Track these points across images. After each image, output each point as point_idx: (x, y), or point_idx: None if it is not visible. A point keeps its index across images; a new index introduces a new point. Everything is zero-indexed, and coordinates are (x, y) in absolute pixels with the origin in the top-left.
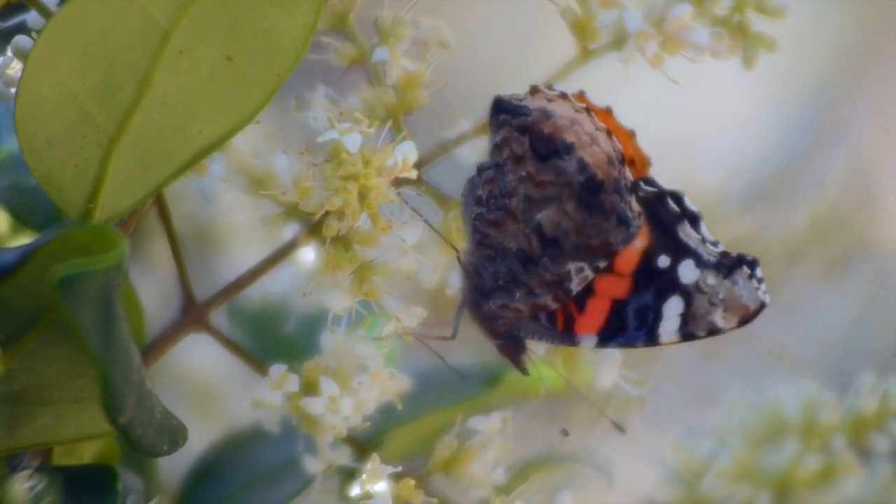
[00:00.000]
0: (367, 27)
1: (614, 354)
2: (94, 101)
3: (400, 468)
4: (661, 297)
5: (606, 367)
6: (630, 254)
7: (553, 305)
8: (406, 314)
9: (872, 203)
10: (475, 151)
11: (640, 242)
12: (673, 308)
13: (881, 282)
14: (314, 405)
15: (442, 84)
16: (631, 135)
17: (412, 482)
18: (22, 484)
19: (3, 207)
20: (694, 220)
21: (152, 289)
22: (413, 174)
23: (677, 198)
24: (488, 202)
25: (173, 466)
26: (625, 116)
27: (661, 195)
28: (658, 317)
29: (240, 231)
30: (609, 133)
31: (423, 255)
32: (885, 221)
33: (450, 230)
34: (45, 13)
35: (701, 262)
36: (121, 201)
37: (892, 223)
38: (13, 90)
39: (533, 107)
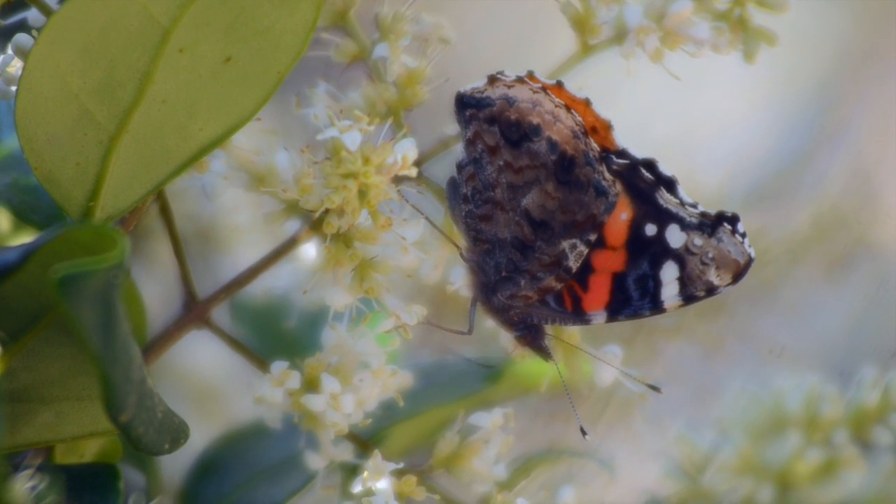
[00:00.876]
0: (367, 24)
1: (614, 352)
2: (94, 99)
3: (402, 464)
4: (657, 264)
5: (606, 365)
6: (618, 226)
7: (557, 286)
8: (406, 311)
9: (873, 203)
10: None
11: (624, 214)
12: (669, 273)
13: (882, 281)
14: (315, 402)
15: (443, 80)
16: (587, 103)
17: (414, 478)
18: (23, 482)
19: (4, 206)
20: (670, 184)
21: (154, 286)
22: (413, 172)
23: (650, 165)
24: (474, 198)
25: (175, 463)
26: (626, 116)
27: (634, 165)
28: (657, 284)
29: (241, 228)
30: (567, 107)
31: (423, 252)
32: (885, 221)
33: (451, 226)
34: (46, 11)
35: (685, 225)
36: (122, 199)
37: (892, 223)
38: (14, 88)
39: (495, 96)
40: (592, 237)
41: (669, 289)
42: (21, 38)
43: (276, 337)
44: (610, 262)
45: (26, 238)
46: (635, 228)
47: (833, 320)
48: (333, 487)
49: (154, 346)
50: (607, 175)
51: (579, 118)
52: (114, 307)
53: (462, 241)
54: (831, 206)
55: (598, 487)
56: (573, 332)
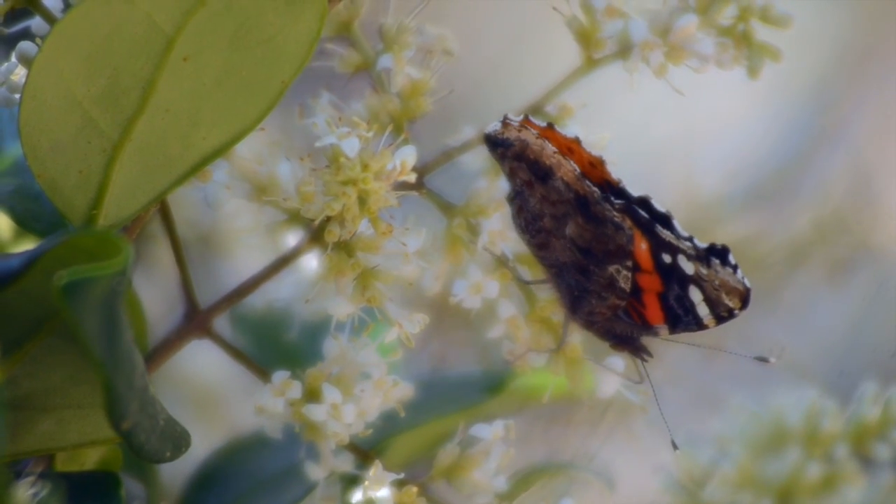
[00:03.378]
0: (371, 34)
1: (616, 362)
2: (98, 107)
3: (402, 475)
4: (684, 287)
5: (608, 376)
6: (643, 253)
7: (620, 303)
8: (409, 320)
9: (873, 205)
10: (479, 158)
11: (643, 244)
12: (696, 296)
13: (882, 283)
14: (316, 412)
15: (446, 92)
16: (577, 142)
17: (414, 489)
18: (25, 490)
19: (7, 213)
20: (665, 220)
21: (155, 295)
22: (412, 178)
23: (645, 203)
24: (528, 229)
25: (176, 473)
26: (626, 118)
27: (629, 206)
28: (692, 303)
29: (243, 238)
30: (563, 154)
31: (426, 263)
32: (885, 223)
33: (453, 238)
34: (50, 19)
35: (688, 257)
36: (124, 207)
37: (892, 225)
38: (17, 96)
39: (512, 137)
40: (629, 263)
41: (702, 308)
42: (25, 45)
43: (278, 347)
44: (651, 283)
45: (29, 246)
46: (655, 256)
47: (833, 322)
48: (334, 498)
49: (155, 355)
50: (615, 212)
51: (574, 164)
52: (117, 314)
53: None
54: (831, 208)
55: (598, 498)
56: (574, 343)
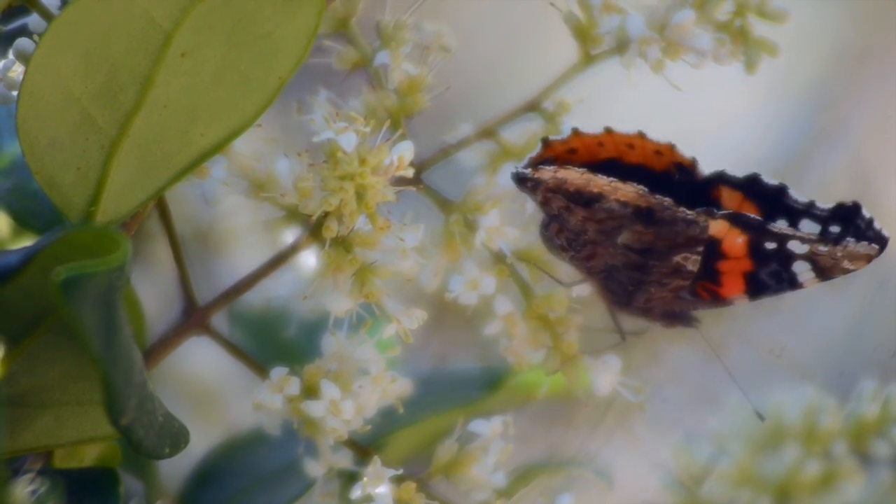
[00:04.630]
0: (368, 31)
1: (613, 360)
2: (95, 103)
3: (401, 471)
4: (786, 264)
5: (604, 373)
6: (736, 246)
7: (686, 283)
8: (407, 315)
9: (871, 203)
10: (477, 155)
11: (739, 238)
12: (801, 268)
13: (881, 283)
14: (315, 408)
15: (444, 88)
16: (640, 135)
17: (413, 485)
18: (23, 487)
19: (5, 210)
20: (781, 193)
21: (153, 292)
22: (409, 173)
23: (755, 182)
24: (571, 245)
25: (174, 469)
26: (624, 116)
27: (737, 214)
28: (792, 275)
29: (241, 234)
30: (623, 181)
31: (424, 258)
32: (884, 221)
33: (451, 234)
34: (47, 16)
35: (804, 241)
36: (122, 204)
37: (891, 223)
38: (15, 93)
39: (545, 177)
40: (700, 248)
41: (805, 276)
42: (22, 42)
43: (276, 343)
44: (737, 267)
45: (27, 243)
46: (754, 244)
47: (833, 321)
48: (332, 494)
49: (154, 351)
50: (689, 212)
51: (638, 186)
52: (115, 310)
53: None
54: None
55: (597, 496)
56: (571, 341)
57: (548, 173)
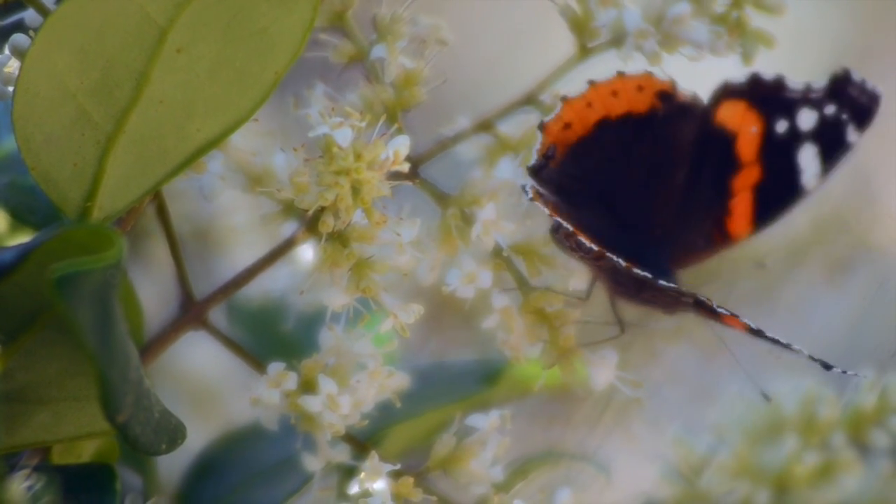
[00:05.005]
0: (365, 24)
1: (610, 354)
2: (91, 99)
3: (399, 466)
4: (793, 156)
5: (602, 368)
6: (749, 139)
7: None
8: (404, 310)
9: (873, 204)
10: (474, 148)
11: (754, 126)
12: (809, 155)
13: (881, 283)
14: (312, 403)
15: (440, 81)
16: (649, 75)
17: (411, 480)
18: (20, 483)
19: (2, 206)
20: (781, 83)
21: (151, 287)
22: (405, 167)
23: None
24: (581, 248)
25: (172, 465)
26: None
27: (754, 82)
28: (798, 173)
29: (238, 229)
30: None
31: (421, 253)
32: (885, 222)
33: (448, 228)
34: (43, 11)
35: (813, 104)
36: (119, 200)
37: (892, 224)
38: (11, 89)
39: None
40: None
41: (810, 169)
42: (18, 38)
43: (273, 338)
44: (747, 179)
45: (24, 239)
46: (766, 134)
47: (833, 321)
48: (330, 489)
49: (151, 347)
50: (670, 286)
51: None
52: (111, 306)
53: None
54: (831, 208)
55: (596, 490)
56: (569, 334)
57: (549, 199)
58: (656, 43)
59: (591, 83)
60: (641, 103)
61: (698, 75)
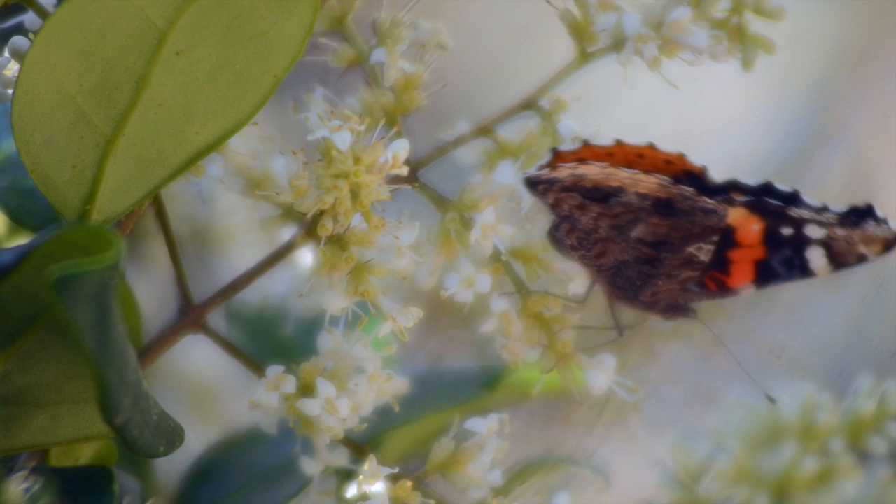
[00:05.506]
0: (365, 29)
1: (608, 359)
2: (91, 101)
3: (397, 469)
4: (799, 250)
5: (600, 372)
6: (751, 234)
7: (695, 274)
8: (403, 313)
9: (872, 203)
10: (473, 153)
11: (756, 225)
12: (815, 254)
13: (880, 282)
14: (311, 407)
15: (440, 86)
16: (650, 146)
17: (409, 483)
18: (18, 485)
19: (1, 209)
20: (795, 199)
21: (150, 290)
22: (404, 171)
23: (769, 190)
24: (582, 245)
25: (171, 467)
26: (624, 117)
27: (759, 198)
28: (804, 261)
29: (237, 232)
30: (645, 172)
31: (420, 257)
32: None
33: (447, 232)
34: (43, 14)
35: (823, 224)
36: (118, 202)
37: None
38: (10, 91)
39: (562, 175)
40: (715, 238)
41: (818, 262)
42: (18, 40)
43: (272, 341)
44: (749, 255)
45: (23, 241)
46: (770, 232)
47: (832, 321)
48: (329, 493)
49: (150, 350)
50: (709, 201)
51: (662, 176)
52: (109, 308)
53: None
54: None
55: (594, 493)
56: (567, 339)
57: (566, 171)
58: (656, 48)
59: (618, 141)
60: (666, 173)
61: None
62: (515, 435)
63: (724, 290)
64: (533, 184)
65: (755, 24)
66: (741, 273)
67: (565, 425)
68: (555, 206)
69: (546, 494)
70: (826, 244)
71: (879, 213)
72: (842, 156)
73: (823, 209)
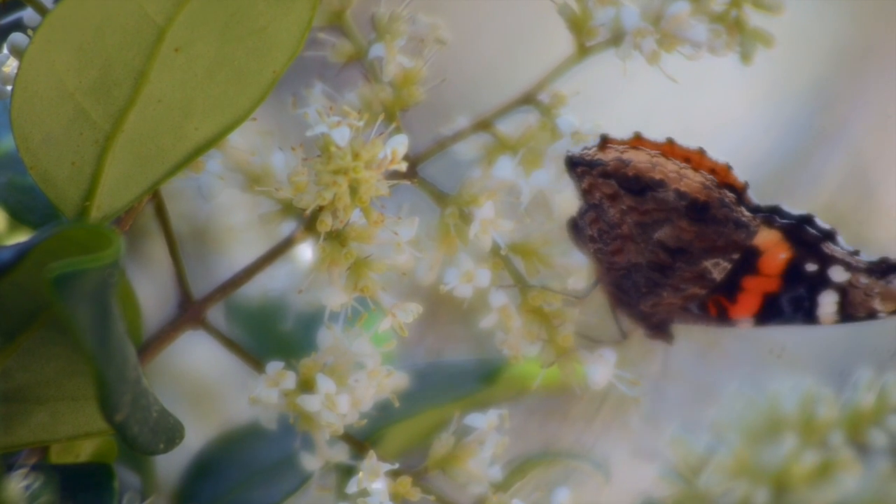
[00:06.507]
0: (363, 24)
1: (608, 354)
2: (90, 98)
3: (397, 465)
4: (814, 291)
5: (600, 367)
6: (775, 261)
7: (702, 292)
8: (402, 309)
9: (871, 201)
10: (472, 147)
11: (783, 254)
12: (828, 299)
13: None
14: (311, 402)
15: (439, 81)
16: (701, 153)
17: (409, 479)
18: (18, 482)
19: (0, 205)
20: (832, 236)
21: (149, 286)
22: (403, 166)
23: (810, 220)
24: (601, 237)
25: (171, 463)
26: (623, 116)
27: (799, 224)
28: (814, 305)
29: (237, 228)
30: (694, 168)
31: (419, 252)
32: (883, 220)
33: (447, 227)
34: (41, 10)
35: (850, 268)
36: (117, 199)
37: (890, 221)
38: (9, 88)
39: (608, 158)
40: (735, 256)
41: (827, 308)
42: (16, 37)
43: (272, 337)
44: (763, 286)
45: (22, 238)
46: (793, 264)
47: None
48: (329, 488)
49: (149, 346)
50: (746, 213)
51: (709, 175)
52: (108, 306)
53: (595, 269)
54: (829, 205)
55: (593, 488)
56: (567, 334)
57: (613, 153)
58: (655, 42)
59: (669, 140)
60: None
61: (700, 81)
62: (515, 430)
63: (722, 318)
64: (574, 164)
65: (754, 18)
66: (747, 303)
67: (564, 420)
68: (587, 192)
69: (546, 489)
70: (844, 290)
71: None
72: (840, 154)
73: (855, 253)
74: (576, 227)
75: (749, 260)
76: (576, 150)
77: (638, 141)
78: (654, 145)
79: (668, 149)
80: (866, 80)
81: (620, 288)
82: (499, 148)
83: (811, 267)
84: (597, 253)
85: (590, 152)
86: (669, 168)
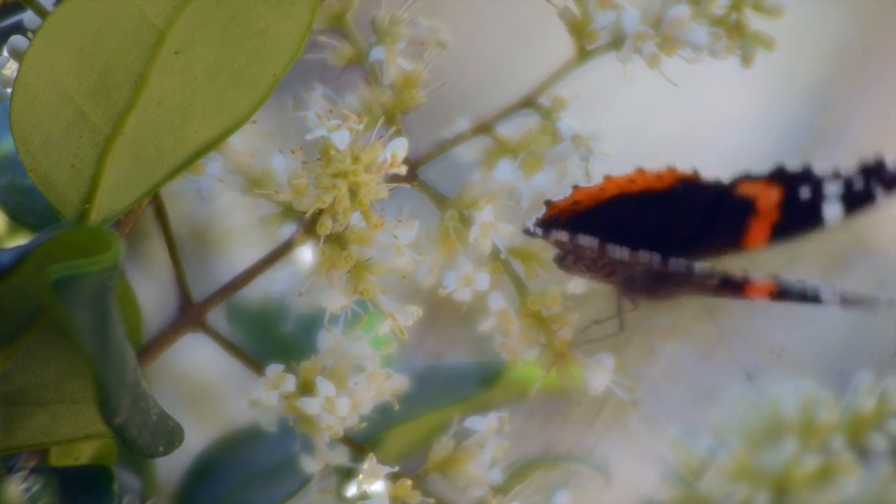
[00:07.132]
0: (364, 26)
1: (606, 359)
2: (89, 101)
3: (397, 468)
4: (818, 202)
5: (598, 372)
6: (770, 202)
7: (711, 283)
8: (402, 312)
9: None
10: (473, 150)
11: (775, 193)
12: (832, 208)
13: (880, 282)
14: (311, 405)
15: (439, 84)
16: (640, 172)
17: (409, 482)
18: (18, 485)
19: (0, 208)
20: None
21: (149, 289)
22: (403, 169)
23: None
24: (590, 269)
25: (171, 466)
26: (624, 117)
27: (777, 173)
28: (820, 208)
29: (237, 231)
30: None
31: (419, 255)
32: (884, 221)
33: (447, 230)
34: (42, 13)
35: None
36: (117, 201)
37: (891, 223)
38: (9, 90)
39: (561, 239)
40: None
41: (832, 212)
42: (16, 39)
43: (272, 340)
44: (766, 218)
45: (22, 241)
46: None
47: (832, 320)
48: (328, 491)
49: (149, 349)
50: (704, 267)
51: (652, 255)
52: (108, 309)
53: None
54: None
55: (594, 490)
56: (565, 338)
57: (562, 236)
58: (655, 45)
59: (607, 177)
60: (660, 186)
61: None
62: (514, 433)
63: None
64: (531, 234)
65: (754, 21)
66: (757, 234)
67: (564, 423)
68: (556, 244)
69: (546, 492)
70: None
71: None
72: (841, 155)
73: (835, 176)
74: (562, 266)
75: (745, 207)
76: (528, 224)
77: (577, 192)
78: (593, 189)
79: (608, 183)
80: (866, 80)
81: (631, 289)
82: (499, 151)
83: (805, 193)
84: (597, 276)
85: (539, 232)
86: (616, 254)
